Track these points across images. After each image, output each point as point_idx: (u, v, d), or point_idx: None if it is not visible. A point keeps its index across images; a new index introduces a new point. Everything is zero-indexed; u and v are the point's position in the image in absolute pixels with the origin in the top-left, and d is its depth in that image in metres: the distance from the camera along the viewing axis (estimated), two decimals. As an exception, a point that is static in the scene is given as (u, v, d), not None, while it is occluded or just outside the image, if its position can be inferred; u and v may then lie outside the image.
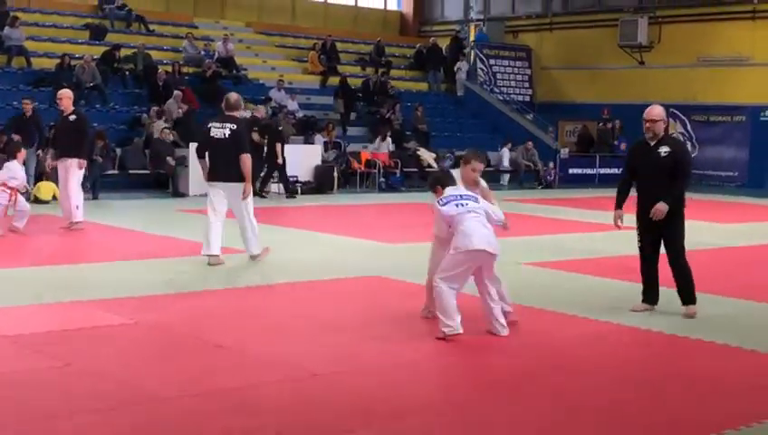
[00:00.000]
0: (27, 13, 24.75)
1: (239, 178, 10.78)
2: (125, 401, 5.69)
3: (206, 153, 11.04)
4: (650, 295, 8.73)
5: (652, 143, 8.59)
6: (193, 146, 19.70)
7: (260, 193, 18.77)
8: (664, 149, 8.51)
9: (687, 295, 8.59)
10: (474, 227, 7.49)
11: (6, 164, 13.43)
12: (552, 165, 26.26)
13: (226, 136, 10.83)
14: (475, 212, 7.60)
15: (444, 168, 7.92)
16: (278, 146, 19.80)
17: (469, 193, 7.81)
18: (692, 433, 5.57)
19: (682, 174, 8.51)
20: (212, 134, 10.94)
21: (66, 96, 13.94)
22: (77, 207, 13.53)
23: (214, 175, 10.93)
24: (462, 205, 7.62)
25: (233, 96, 11.37)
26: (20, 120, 17.97)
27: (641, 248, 8.71)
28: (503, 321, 7.62)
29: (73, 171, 13.64)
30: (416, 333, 7.72)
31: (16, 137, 16.36)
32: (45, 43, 23.90)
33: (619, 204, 8.88)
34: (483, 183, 8.09)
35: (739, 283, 10.74)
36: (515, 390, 6.31)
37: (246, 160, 10.83)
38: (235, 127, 10.94)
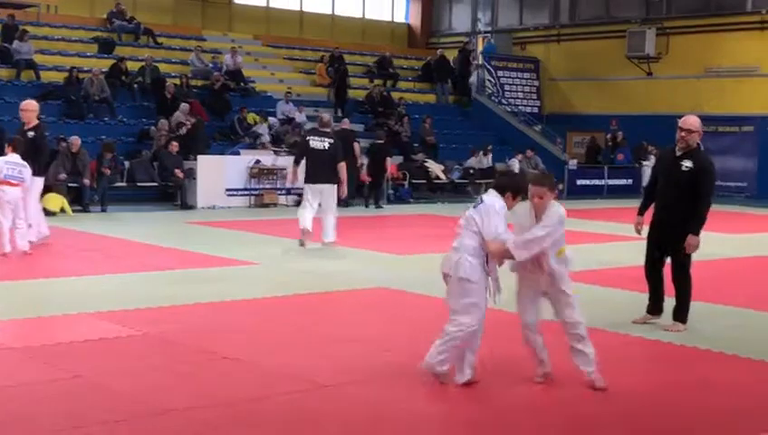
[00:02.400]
0: (36, 26, 24.86)
1: (334, 180, 13.44)
2: (132, 414, 5.69)
3: (303, 161, 13.51)
4: (654, 306, 8.65)
5: (679, 154, 8.35)
6: (201, 158, 20.03)
7: (377, 204, 21.12)
8: (687, 164, 8.24)
9: (678, 312, 8.44)
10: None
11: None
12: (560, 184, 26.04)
13: (326, 148, 13.38)
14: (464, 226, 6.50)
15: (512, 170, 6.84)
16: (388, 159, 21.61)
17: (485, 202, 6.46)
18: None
19: (703, 195, 8.20)
20: (311, 145, 13.44)
21: (30, 108, 12.98)
22: (30, 226, 12.45)
23: (313, 178, 13.36)
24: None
25: (326, 116, 14.46)
26: None
27: (647, 257, 8.63)
28: (438, 369, 6.43)
29: (31, 189, 12.60)
30: (425, 346, 7.69)
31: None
32: (54, 56, 23.99)
33: (641, 211, 8.75)
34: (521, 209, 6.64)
35: (748, 293, 10.68)
36: (524, 404, 6.28)
37: (343, 168, 13.74)
38: (333, 141, 13.58)
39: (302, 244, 13.40)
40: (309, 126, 24.00)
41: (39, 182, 12.98)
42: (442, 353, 6.41)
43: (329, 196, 13.43)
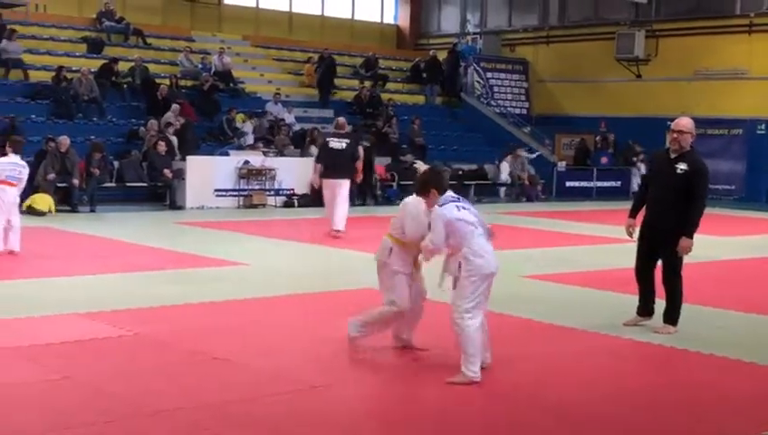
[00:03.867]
0: (25, 26, 24.74)
1: (349, 176, 15.35)
2: (122, 415, 5.66)
3: (323, 159, 15.23)
4: (644, 308, 8.64)
5: (673, 156, 8.33)
6: (190, 158, 20.00)
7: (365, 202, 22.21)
8: (681, 166, 8.23)
9: (669, 315, 8.43)
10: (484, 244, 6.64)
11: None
12: (539, 185, 26.07)
13: (344, 148, 15.24)
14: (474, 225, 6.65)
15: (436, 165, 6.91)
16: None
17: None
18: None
19: (697, 198, 8.22)
20: (331, 146, 15.27)
21: None
22: None
23: (331, 174, 15.03)
24: (462, 208, 6.70)
25: (341, 120, 16.38)
26: None
27: (638, 258, 8.62)
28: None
29: None
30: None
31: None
32: (43, 56, 23.88)
33: (633, 213, 8.69)
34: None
35: (737, 296, 10.72)
36: (515, 402, 6.28)
37: (360, 164, 15.86)
38: (350, 141, 15.53)
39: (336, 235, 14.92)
40: (297, 127, 24.17)
41: None
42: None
43: (343, 189, 15.08)
